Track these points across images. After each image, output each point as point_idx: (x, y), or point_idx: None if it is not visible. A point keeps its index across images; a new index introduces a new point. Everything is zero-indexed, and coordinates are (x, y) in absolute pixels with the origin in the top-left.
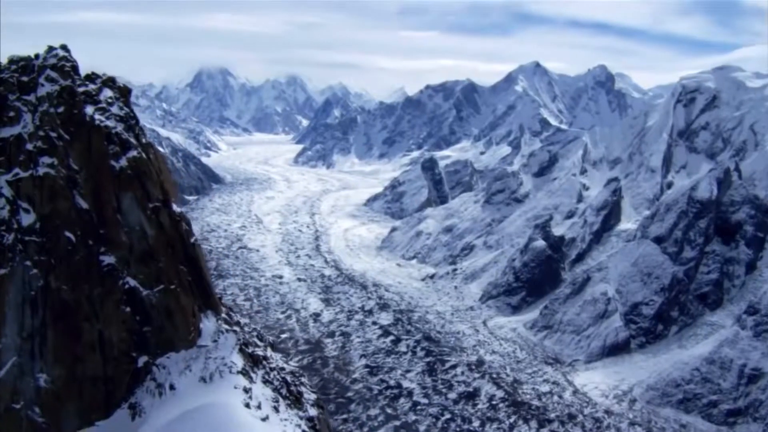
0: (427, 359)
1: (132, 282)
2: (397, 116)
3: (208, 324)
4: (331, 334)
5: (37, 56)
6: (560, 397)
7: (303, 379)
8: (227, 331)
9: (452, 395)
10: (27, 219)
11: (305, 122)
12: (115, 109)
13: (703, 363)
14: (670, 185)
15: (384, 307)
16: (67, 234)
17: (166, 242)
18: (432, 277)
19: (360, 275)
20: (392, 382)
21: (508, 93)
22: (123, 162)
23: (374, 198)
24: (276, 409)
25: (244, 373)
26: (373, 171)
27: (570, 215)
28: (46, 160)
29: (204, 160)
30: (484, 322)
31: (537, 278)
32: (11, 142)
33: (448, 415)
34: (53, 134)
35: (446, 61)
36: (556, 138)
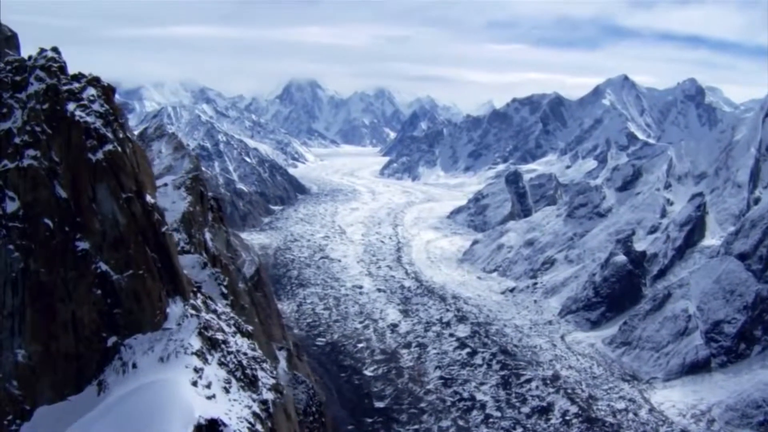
0: (502, 372)
1: (104, 267)
2: (484, 129)
3: (175, 309)
4: (408, 345)
5: (30, 57)
6: (636, 414)
7: (264, 365)
8: (191, 315)
9: (525, 409)
10: (11, 206)
11: (392, 135)
12: (96, 106)
13: None
14: (757, 201)
15: (462, 319)
16: (46, 221)
17: (137, 230)
18: (512, 290)
19: (439, 287)
20: (466, 395)
21: (595, 106)
22: (99, 155)
23: (458, 210)
24: (226, 390)
25: (198, 354)
26: (458, 184)
27: (653, 230)
28: (31, 152)
29: (291, 170)
30: (562, 337)
31: (617, 293)
32: (2, 135)
33: (520, 429)
34: (38, 129)
35: (534, 74)
36: (643, 152)
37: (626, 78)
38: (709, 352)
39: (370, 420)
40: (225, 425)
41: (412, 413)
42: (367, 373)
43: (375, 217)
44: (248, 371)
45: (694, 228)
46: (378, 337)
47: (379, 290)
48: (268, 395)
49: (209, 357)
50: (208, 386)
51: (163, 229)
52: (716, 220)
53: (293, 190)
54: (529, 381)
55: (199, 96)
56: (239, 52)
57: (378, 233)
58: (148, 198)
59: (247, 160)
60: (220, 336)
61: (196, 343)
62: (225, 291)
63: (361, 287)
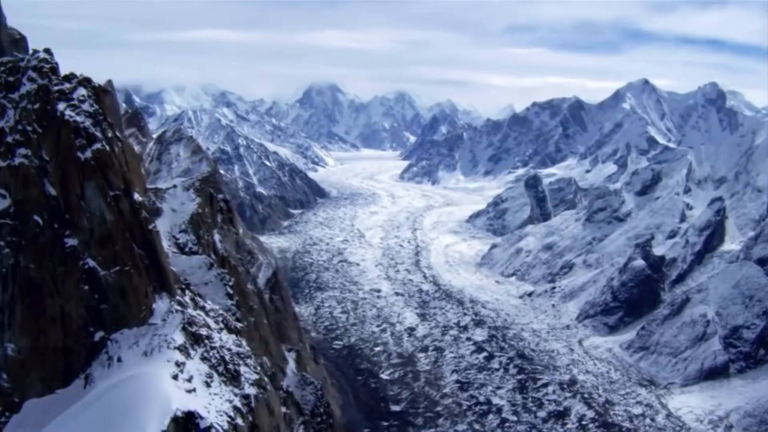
0: (519, 377)
1: (91, 263)
2: (504, 133)
3: (161, 304)
4: (425, 349)
5: (22, 59)
6: (653, 420)
7: (248, 361)
8: (176, 311)
9: (542, 413)
10: (2, 204)
11: (412, 139)
12: (85, 106)
13: None
14: None
15: (479, 323)
16: (36, 218)
17: (124, 228)
18: (530, 294)
19: (458, 291)
20: (482, 398)
21: (615, 111)
22: (88, 153)
23: (477, 215)
24: (208, 384)
25: (181, 349)
26: (478, 188)
27: (672, 235)
28: (22, 151)
29: (311, 174)
30: (580, 342)
31: (635, 298)
32: None
33: None
34: (29, 128)
35: (555, 78)
36: (664, 157)
37: (646, 82)
38: (727, 357)
39: (385, 423)
40: (202, 418)
41: (428, 417)
42: (384, 376)
43: (394, 221)
44: (231, 366)
45: (714, 233)
46: (395, 341)
47: (397, 294)
48: (251, 390)
49: (192, 352)
50: (189, 380)
51: (150, 227)
52: (736, 224)
53: (313, 194)
54: (545, 385)
55: (219, 100)
56: (260, 56)
57: (397, 237)
58: (136, 196)
59: (267, 163)
60: (204, 332)
61: (180, 338)
62: (231, 291)
63: (379, 291)
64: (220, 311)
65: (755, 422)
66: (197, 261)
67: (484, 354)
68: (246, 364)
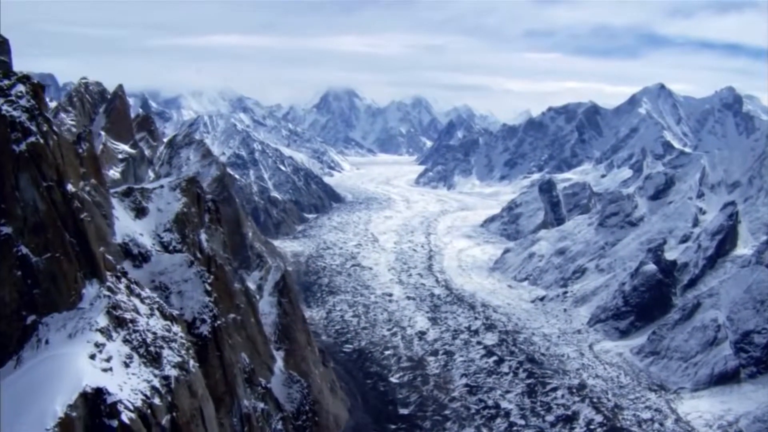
0: (528, 381)
1: (24, 250)
2: (519, 138)
3: (91, 290)
4: (435, 353)
5: None
6: (661, 425)
7: (172, 344)
8: (104, 296)
9: (550, 418)
10: None
11: (429, 144)
12: (23, 102)
13: None
14: None
15: (490, 327)
16: None
17: (56, 217)
18: (542, 299)
19: (469, 295)
20: (491, 402)
21: (631, 115)
22: (22, 146)
23: (491, 219)
24: (126, 365)
25: (103, 331)
26: (493, 193)
27: (685, 239)
28: None
29: (327, 179)
30: (590, 346)
31: (646, 303)
32: None
33: None
34: None
35: (572, 83)
36: (679, 161)
37: (662, 86)
38: (738, 362)
39: (393, 427)
40: (110, 394)
41: (435, 420)
42: (393, 380)
43: (408, 226)
44: (152, 348)
45: (726, 237)
46: (405, 345)
47: (408, 298)
48: (172, 372)
49: (114, 334)
50: (108, 360)
51: (82, 216)
52: (749, 229)
53: (328, 199)
54: (554, 390)
55: (236, 105)
56: (277, 62)
57: (410, 241)
58: (70, 187)
59: (282, 168)
60: (129, 316)
61: (103, 321)
62: (209, 288)
63: (390, 295)
64: (157, 299)
65: (764, 428)
66: (178, 259)
67: (494, 358)
68: (170, 348)
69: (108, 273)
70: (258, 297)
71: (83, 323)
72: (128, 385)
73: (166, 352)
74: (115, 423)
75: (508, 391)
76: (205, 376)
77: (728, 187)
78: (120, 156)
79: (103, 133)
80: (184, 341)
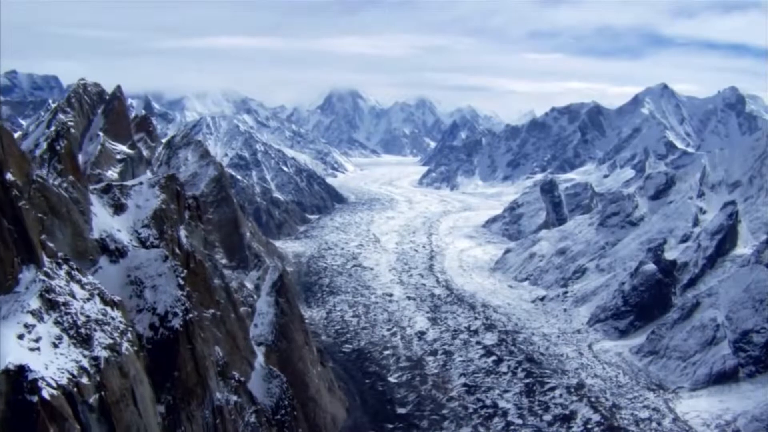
0: (527, 380)
1: None
2: (522, 139)
3: (28, 275)
4: (434, 353)
5: None
6: (659, 424)
7: (105, 327)
8: (39, 280)
9: (547, 417)
10: None
11: (432, 144)
12: None
13: None
14: None
15: (490, 327)
16: None
17: None
18: (542, 299)
19: (470, 295)
20: (488, 402)
21: (634, 116)
22: None
23: (493, 219)
24: (55, 345)
25: (34, 313)
26: (496, 193)
27: (685, 239)
28: None
29: (330, 180)
30: (590, 346)
31: (646, 302)
32: None
33: None
34: None
35: (575, 83)
36: (682, 161)
37: (665, 87)
38: (737, 361)
39: (391, 426)
40: (32, 371)
41: (433, 419)
42: (392, 379)
43: (410, 226)
44: (83, 330)
45: (726, 237)
46: (405, 345)
47: (409, 298)
48: (102, 353)
49: (45, 316)
50: (36, 341)
51: (20, 204)
52: (749, 228)
53: (330, 199)
54: (553, 389)
55: (240, 106)
56: (280, 63)
57: (412, 242)
58: (9, 176)
59: (285, 169)
60: (62, 299)
61: (35, 304)
62: (182, 282)
63: (391, 295)
64: (98, 285)
65: (762, 427)
66: (154, 254)
67: (493, 358)
68: (103, 330)
69: (48, 259)
70: (255, 296)
71: (16, 306)
72: (54, 365)
73: (98, 334)
74: (35, 399)
75: (506, 391)
76: (177, 368)
77: (729, 187)
78: (118, 156)
79: (101, 133)
80: (120, 325)
